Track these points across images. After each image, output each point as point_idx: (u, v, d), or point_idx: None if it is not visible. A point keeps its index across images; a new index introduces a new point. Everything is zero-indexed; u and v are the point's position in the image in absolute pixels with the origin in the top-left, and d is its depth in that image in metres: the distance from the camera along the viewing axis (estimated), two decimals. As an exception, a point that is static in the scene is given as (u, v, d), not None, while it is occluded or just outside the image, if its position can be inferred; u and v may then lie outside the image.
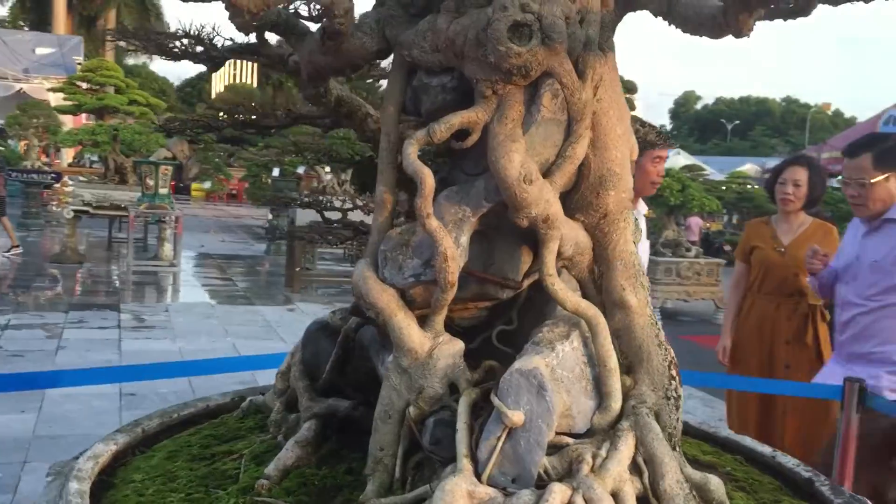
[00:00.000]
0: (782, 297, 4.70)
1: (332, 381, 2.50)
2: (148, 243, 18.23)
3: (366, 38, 2.16)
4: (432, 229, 1.95)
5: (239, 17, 2.30)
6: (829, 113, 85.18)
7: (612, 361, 2.04)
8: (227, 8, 2.30)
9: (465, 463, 1.86)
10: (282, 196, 11.97)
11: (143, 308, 11.82)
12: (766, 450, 2.63)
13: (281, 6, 2.28)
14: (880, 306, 3.87)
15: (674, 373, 2.12)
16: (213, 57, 2.85)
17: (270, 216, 20.52)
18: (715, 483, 2.02)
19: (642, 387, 2.08)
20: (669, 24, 1.99)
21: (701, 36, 1.79)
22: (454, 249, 1.97)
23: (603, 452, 1.91)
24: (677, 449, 2.08)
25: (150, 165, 15.01)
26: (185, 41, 2.83)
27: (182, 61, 2.94)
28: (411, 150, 1.97)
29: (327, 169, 16.08)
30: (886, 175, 3.87)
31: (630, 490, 1.87)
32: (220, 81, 45.05)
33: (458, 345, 2.08)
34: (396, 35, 2.15)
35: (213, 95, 37.77)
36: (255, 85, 40.22)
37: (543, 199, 1.98)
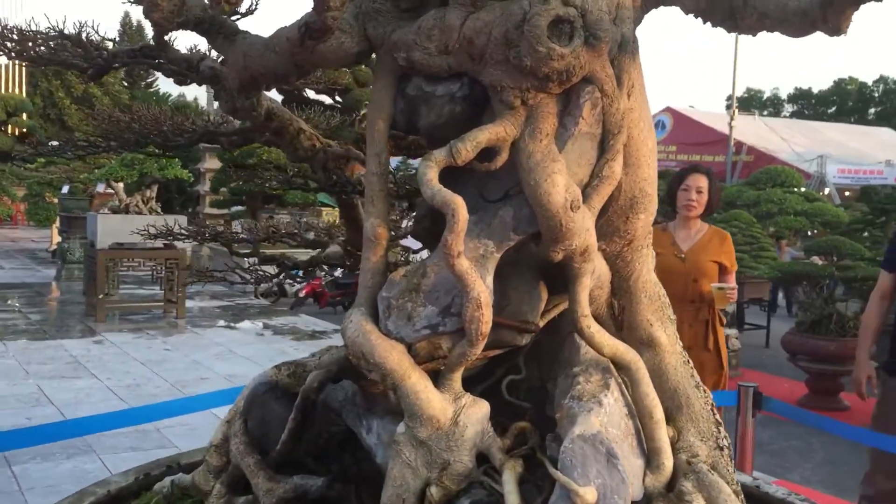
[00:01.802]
0: (684, 304, 4.67)
1: (288, 453, 2.06)
2: None
3: (344, 38, 1.75)
4: (462, 272, 1.59)
5: (157, 11, 1.83)
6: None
7: (659, 412, 1.77)
8: (146, 4, 1.82)
9: (528, 556, 1.52)
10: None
11: None
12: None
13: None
14: None
15: (718, 418, 1.88)
16: (97, 63, 2.31)
17: (59, 238, 18.75)
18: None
19: (689, 437, 1.83)
20: (706, 23, 1.74)
21: (777, 32, 1.56)
22: (487, 294, 1.62)
23: (679, 524, 1.63)
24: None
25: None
26: (61, 42, 2.27)
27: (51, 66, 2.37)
28: (432, 175, 1.59)
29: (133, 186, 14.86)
30: None
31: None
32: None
33: (484, 407, 1.73)
34: (384, 34, 1.75)
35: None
36: (23, 95, 36.69)
37: (584, 228, 1.67)
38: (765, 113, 50.85)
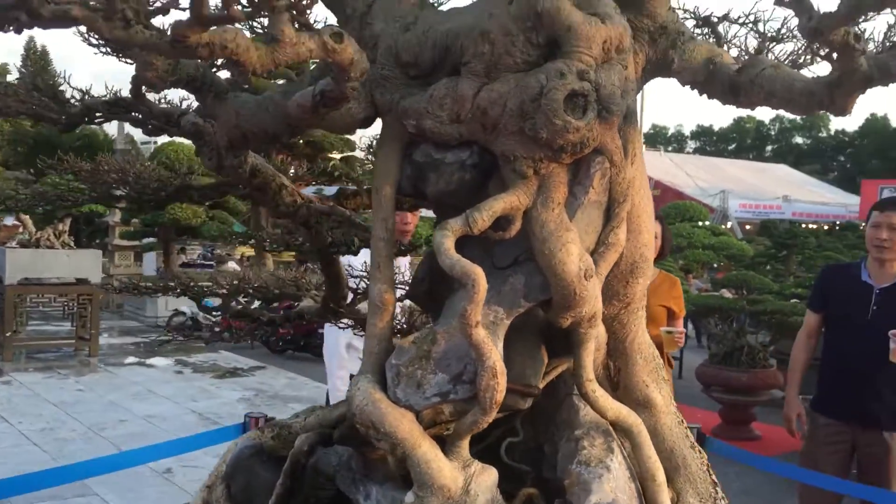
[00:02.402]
0: None
1: (276, 520, 2.01)
2: None
3: (352, 104, 1.74)
4: (479, 341, 1.59)
5: (151, 70, 1.80)
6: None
7: (661, 475, 1.80)
8: (140, 63, 1.79)
9: None
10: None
11: None
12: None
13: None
14: None
15: (714, 477, 1.92)
16: (72, 115, 2.23)
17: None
18: None
19: (688, 497, 1.86)
20: (702, 94, 1.81)
21: (783, 110, 1.63)
22: (502, 363, 1.63)
23: (689, 589, 1.65)
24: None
25: None
26: (33, 95, 2.19)
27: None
28: (449, 245, 1.60)
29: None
30: None
31: None
32: None
33: (493, 474, 1.73)
34: (392, 100, 1.75)
35: None
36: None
37: (594, 295, 1.70)
38: (669, 149, 52.64)
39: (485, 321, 1.70)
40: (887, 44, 1.61)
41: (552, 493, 1.82)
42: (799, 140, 57.11)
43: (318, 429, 2.09)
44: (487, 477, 1.71)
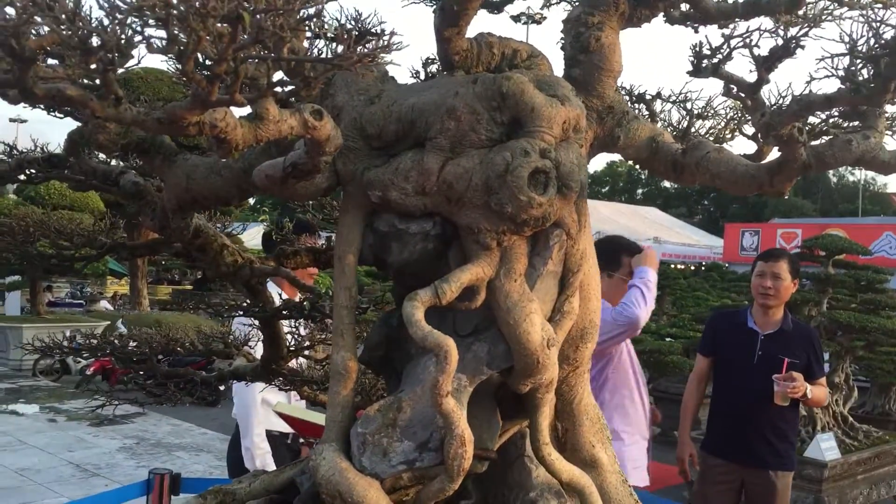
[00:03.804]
0: None
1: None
2: None
3: (318, 175, 1.77)
4: (449, 410, 1.63)
5: (104, 133, 1.78)
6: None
7: (610, 533, 1.88)
8: (93, 125, 1.76)
9: None
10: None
11: None
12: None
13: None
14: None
15: (657, 533, 2.01)
16: (2, 171, 2.15)
17: None
18: None
19: (635, 554, 1.94)
20: (644, 169, 1.93)
21: (724, 189, 1.76)
22: (469, 432, 1.67)
23: None
24: None
25: None
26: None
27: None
28: (419, 316, 1.64)
29: None
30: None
31: None
32: None
33: (458, 540, 1.76)
34: (356, 170, 1.78)
35: None
36: None
37: (553, 362, 1.77)
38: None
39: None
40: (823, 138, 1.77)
41: (506, 555, 1.87)
42: (667, 184, 60.04)
43: (266, 495, 2.06)
44: (451, 544, 1.74)
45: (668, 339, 13.68)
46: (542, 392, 1.80)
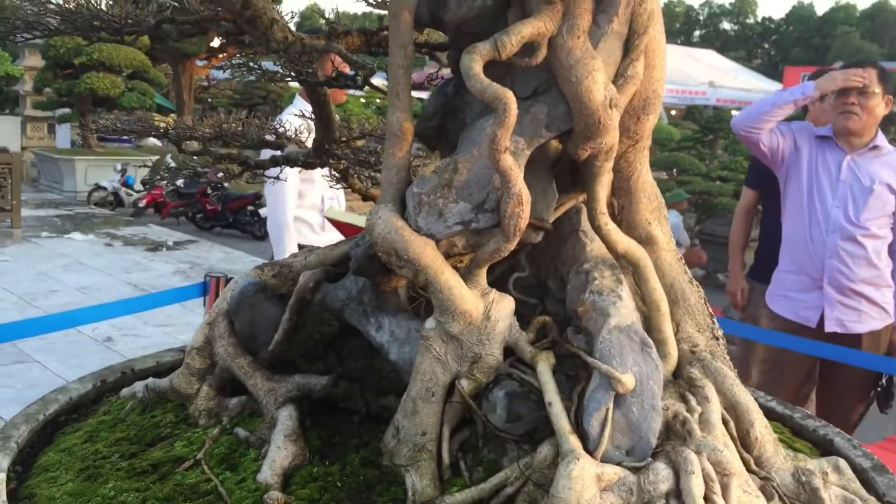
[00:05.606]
0: None
1: (280, 354, 2.03)
2: None
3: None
4: (507, 167, 1.59)
5: None
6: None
7: (665, 305, 1.87)
8: None
9: (573, 441, 1.58)
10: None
11: None
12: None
13: None
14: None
15: (710, 310, 2.00)
16: None
17: None
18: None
19: (687, 328, 1.94)
20: None
21: None
22: (527, 191, 1.63)
23: (696, 407, 1.74)
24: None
25: None
26: None
27: None
28: (478, 69, 1.57)
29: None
30: (884, 95, 4.01)
31: (732, 445, 1.74)
32: None
33: (511, 302, 1.76)
34: (412, -82, 1.68)
35: None
36: None
37: (615, 126, 1.71)
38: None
39: (506, 150, 1.69)
40: None
41: (558, 324, 1.87)
42: (727, 26, 57.39)
43: (321, 266, 2.09)
44: (506, 305, 1.74)
45: (717, 183, 13.52)
46: (602, 160, 1.75)
